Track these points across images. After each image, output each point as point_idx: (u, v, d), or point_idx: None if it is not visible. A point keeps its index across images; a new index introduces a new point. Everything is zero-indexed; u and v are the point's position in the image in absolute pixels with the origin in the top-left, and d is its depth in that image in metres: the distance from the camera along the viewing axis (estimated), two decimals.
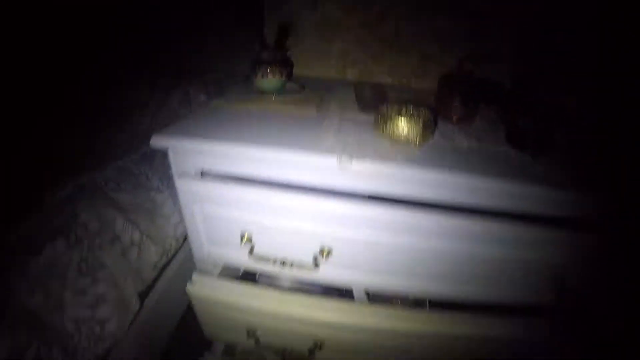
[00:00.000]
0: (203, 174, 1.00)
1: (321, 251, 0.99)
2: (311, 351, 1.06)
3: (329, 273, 1.03)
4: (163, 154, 1.17)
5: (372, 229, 0.95)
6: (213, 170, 0.97)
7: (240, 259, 1.06)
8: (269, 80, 1.23)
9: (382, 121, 0.98)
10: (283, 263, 1.01)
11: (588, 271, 0.96)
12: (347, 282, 1.07)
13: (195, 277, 1.05)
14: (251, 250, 1.01)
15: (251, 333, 1.07)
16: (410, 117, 0.99)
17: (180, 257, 1.38)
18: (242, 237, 1.01)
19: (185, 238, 1.34)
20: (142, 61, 1.73)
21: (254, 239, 1.01)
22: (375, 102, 1.11)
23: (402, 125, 0.95)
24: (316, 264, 1.00)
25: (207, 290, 1.03)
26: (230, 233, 1.02)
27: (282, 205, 0.95)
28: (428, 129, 0.97)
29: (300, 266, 1.01)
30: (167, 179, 1.31)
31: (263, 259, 1.02)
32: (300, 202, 0.93)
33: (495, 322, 0.98)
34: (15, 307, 0.84)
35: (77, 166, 1.24)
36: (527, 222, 0.90)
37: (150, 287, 1.21)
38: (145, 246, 1.16)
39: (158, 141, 0.93)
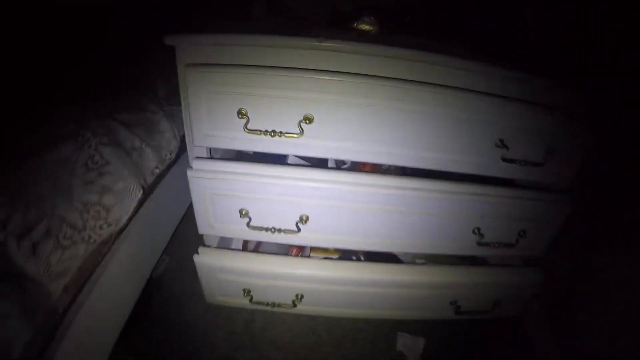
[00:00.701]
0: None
1: (301, 218, 1.15)
2: (294, 302, 1.25)
3: (310, 235, 1.19)
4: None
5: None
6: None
7: (240, 231, 1.20)
8: None
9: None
10: (273, 230, 1.17)
11: None
12: (324, 242, 1.24)
13: (200, 249, 1.21)
14: (249, 223, 1.16)
15: (246, 292, 1.24)
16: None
17: (175, 170, 1.49)
18: (240, 212, 1.15)
19: (177, 154, 1.46)
20: None
21: (250, 213, 1.15)
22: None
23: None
24: (298, 229, 1.16)
25: (211, 258, 1.20)
26: (230, 210, 1.16)
27: (270, 178, 1.09)
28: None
29: (287, 232, 1.17)
30: (160, 104, 1.41)
31: (258, 228, 1.17)
32: (284, 173, 1.09)
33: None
34: (27, 193, 0.92)
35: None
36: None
37: (151, 190, 1.31)
38: (144, 152, 1.25)
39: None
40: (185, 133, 1.14)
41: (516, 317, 1.46)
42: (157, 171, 1.30)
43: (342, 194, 1.10)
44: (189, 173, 1.10)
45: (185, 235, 1.71)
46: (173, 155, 1.38)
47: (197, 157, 1.13)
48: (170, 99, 1.46)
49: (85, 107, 1.20)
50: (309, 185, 1.09)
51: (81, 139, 1.08)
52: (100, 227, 1.04)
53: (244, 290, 1.25)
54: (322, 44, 0.96)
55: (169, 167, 1.43)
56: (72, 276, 0.95)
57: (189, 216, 1.59)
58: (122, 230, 1.16)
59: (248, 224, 1.15)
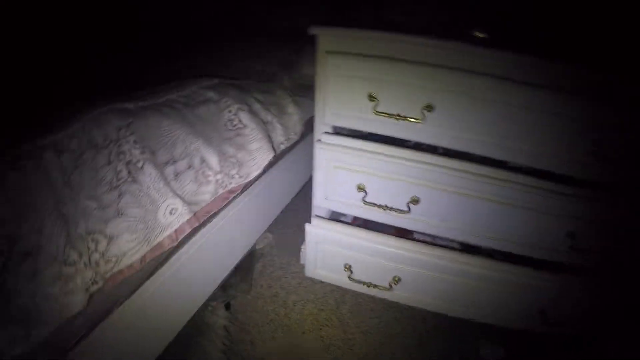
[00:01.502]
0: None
1: (412, 199, 1.22)
2: (390, 284, 1.30)
3: (418, 218, 1.26)
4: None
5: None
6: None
7: (353, 206, 1.31)
8: None
9: None
10: (385, 207, 1.24)
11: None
12: (429, 228, 1.28)
13: (313, 219, 1.33)
14: (364, 197, 1.25)
15: (347, 267, 1.33)
16: None
17: (294, 153, 1.64)
18: (358, 187, 1.25)
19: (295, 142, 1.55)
20: None
21: (366, 188, 1.25)
22: None
23: None
24: (409, 209, 1.23)
25: (322, 228, 1.31)
26: (348, 183, 1.27)
27: (390, 157, 1.17)
28: None
29: (398, 211, 1.24)
30: (287, 91, 1.53)
31: (371, 204, 1.25)
32: (402, 154, 1.17)
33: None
34: (177, 134, 1.08)
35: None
36: None
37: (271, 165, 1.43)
38: (275, 126, 1.36)
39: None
40: (315, 112, 1.27)
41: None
42: (282, 147, 1.40)
43: (451, 180, 1.15)
44: (317, 145, 1.23)
45: (288, 221, 1.88)
46: (297, 137, 1.49)
47: (325, 132, 1.25)
48: (293, 90, 1.59)
49: (224, 84, 1.34)
50: (423, 167, 1.15)
51: (223, 104, 1.22)
52: (232, 177, 1.15)
53: (345, 265, 1.33)
54: (478, 36, 1.15)
55: (289, 149, 1.55)
56: (200, 210, 1.07)
57: (293, 204, 1.76)
58: (246, 186, 1.27)
59: (364, 199, 1.24)
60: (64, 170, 0.90)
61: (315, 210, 1.42)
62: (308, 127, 1.51)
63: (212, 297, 1.38)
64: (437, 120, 1.11)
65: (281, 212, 1.70)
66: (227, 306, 1.47)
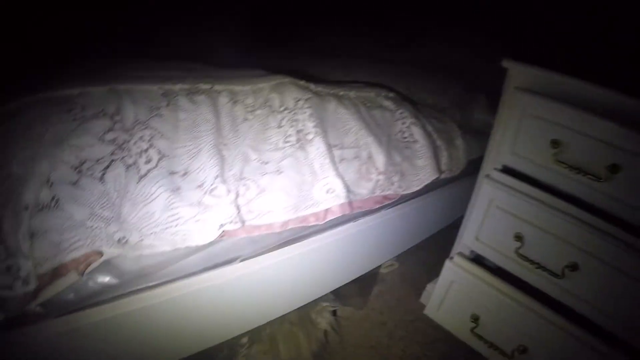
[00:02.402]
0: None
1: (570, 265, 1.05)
2: (512, 353, 1.16)
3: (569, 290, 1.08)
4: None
5: None
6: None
7: (501, 256, 1.18)
8: None
9: None
10: (537, 266, 1.09)
11: None
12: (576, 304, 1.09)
13: (456, 256, 1.27)
14: (518, 248, 1.12)
15: (473, 318, 1.22)
16: None
17: (450, 187, 1.55)
18: (515, 235, 1.12)
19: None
20: None
21: (524, 239, 1.12)
22: None
23: None
24: (562, 276, 1.06)
25: (461, 269, 1.24)
26: (504, 229, 1.15)
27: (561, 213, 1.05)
28: None
29: (550, 274, 1.08)
30: (457, 125, 1.46)
31: (523, 258, 1.12)
32: (573, 211, 1.04)
33: None
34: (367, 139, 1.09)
35: None
36: None
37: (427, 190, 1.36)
38: (442, 152, 1.31)
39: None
40: (488, 146, 1.21)
41: None
42: (443, 175, 1.35)
43: (622, 256, 0.97)
44: (485, 181, 1.16)
45: (416, 256, 1.78)
46: (458, 172, 1.42)
47: (495, 169, 1.17)
48: (463, 126, 1.53)
49: (401, 98, 1.33)
50: (593, 233, 1.00)
51: (398, 114, 1.21)
52: (392, 183, 1.12)
53: (472, 315, 1.22)
54: None
55: (443, 183, 1.48)
56: (356, 200, 1.06)
57: (424, 241, 1.67)
58: (399, 200, 1.23)
59: (517, 250, 1.12)
60: (234, 118, 0.95)
61: (459, 248, 1.33)
62: (466, 170, 1.44)
63: (324, 298, 1.35)
64: (620, 186, 0.98)
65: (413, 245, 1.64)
66: (334, 312, 1.42)
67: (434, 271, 1.45)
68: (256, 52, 1.78)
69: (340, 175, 0.99)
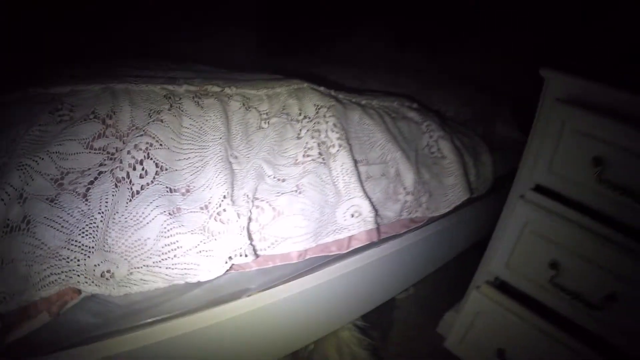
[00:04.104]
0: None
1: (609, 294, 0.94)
2: None
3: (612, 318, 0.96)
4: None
5: None
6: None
7: (534, 285, 1.07)
8: None
9: None
10: (573, 296, 0.97)
11: None
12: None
13: (483, 285, 1.15)
14: (553, 277, 1.00)
15: (499, 353, 1.11)
16: None
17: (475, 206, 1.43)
18: (550, 264, 1.01)
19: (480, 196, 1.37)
20: None
21: (559, 267, 1.00)
22: None
23: None
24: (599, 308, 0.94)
25: (490, 300, 1.11)
26: (538, 256, 1.04)
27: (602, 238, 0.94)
28: None
29: (585, 304, 0.96)
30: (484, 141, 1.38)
31: (558, 287, 1.00)
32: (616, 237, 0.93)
33: None
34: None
35: None
36: None
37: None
38: (470, 170, 1.20)
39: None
40: (521, 164, 1.12)
41: None
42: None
43: None
44: (519, 202, 1.04)
45: (434, 278, 1.65)
46: (483, 192, 1.32)
47: (531, 189, 1.06)
48: (491, 144, 1.43)
49: (425, 109, 1.23)
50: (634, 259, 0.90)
51: (425, 127, 1.10)
52: (420, 204, 1.01)
53: (497, 350, 1.10)
54: None
55: (468, 203, 1.36)
56: (383, 225, 0.94)
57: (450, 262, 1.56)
58: (426, 223, 1.12)
59: (552, 279, 1.00)
60: (247, 126, 0.85)
61: (485, 276, 1.21)
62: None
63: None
64: None
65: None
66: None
67: (450, 297, 1.40)
68: (268, 58, 1.74)
69: (368, 196, 0.86)
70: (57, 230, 0.60)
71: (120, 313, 0.67)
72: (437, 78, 1.71)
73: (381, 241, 1.00)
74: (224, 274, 0.70)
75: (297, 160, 0.82)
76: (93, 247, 0.60)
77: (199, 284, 0.70)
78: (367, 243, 0.88)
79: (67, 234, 0.60)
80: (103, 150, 0.69)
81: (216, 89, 0.86)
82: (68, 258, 0.59)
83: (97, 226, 0.61)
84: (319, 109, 0.89)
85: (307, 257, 0.80)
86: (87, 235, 0.60)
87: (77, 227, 0.60)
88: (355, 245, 0.86)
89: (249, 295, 0.81)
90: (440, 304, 1.53)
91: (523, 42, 1.73)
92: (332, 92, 1.00)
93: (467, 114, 1.50)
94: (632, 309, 0.93)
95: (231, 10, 1.84)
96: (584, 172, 0.94)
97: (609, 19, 1.48)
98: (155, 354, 0.73)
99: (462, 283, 1.31)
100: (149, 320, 0.71)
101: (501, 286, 1.18)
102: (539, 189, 1.06)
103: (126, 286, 0.62)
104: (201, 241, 0.66)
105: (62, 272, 0.58)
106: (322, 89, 0.98)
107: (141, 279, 0.63)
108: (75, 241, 0.59)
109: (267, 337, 0.94)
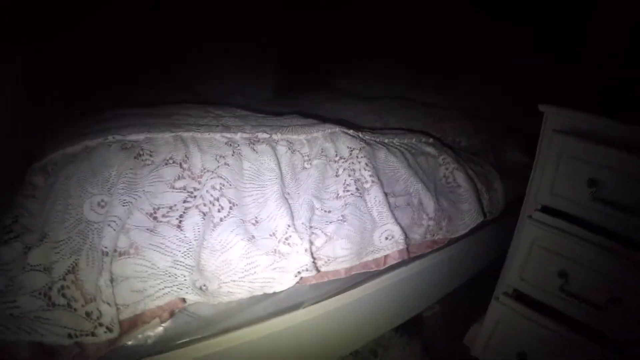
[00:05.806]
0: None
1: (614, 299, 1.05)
2: None
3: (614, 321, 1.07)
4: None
5: None
6: None
7: (546, 294, 1.17)
8: None
9: None
10: (581, 301, 1.08)
11: None
12: None
13: (501, 296, 1.26)
14: (562, 285, 1.11)
15: (521, 356, 1.21)
16: None
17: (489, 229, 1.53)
18: (559, 273, 1.12)
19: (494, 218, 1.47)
20: None
21: (568, 277, 1.12)
22: None
23: None
24: (603, 309, 1.05)
25: (507, 308, 1.23)
26: (546, 267, 1.16)
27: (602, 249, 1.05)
28: None
29: (593, 307, 1.07)
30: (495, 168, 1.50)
31: (568, 293, 1.10)
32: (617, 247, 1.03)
33: None
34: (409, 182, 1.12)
35: None
36: None
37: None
38: (483, 196, 1.33)
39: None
40: (528, 188, 1.22)
41: None
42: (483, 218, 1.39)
43: None
44: (527, 222, 1.17)
45: (458, 295, 1.75)
46: (496, 215, 1.45)
47: (537, 210, 1.19)
48: (500, 171, 1.56)
49: (440, 143, 1.38)
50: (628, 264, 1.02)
51: (441, 160, 1.25)
52: (441, 227, 1.15)
53: (518, 354, 1.21)
54: None
55: (481, 226, 1.47)
56: (412, 245, 1.09)
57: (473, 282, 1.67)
58: (444, 245, 1.25)
59: (562, 287, 1.12)
60: (294, 167, 0.99)
61: (503, 288, 1.33)
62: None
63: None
64: None
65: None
66: (375, 353, 1.44)
67: (473, 311, 1.47)
68: (289, 91, 1.87)
69: (398, 222, 1.02)
70: (162, 253, 0.76)
71: (206, 322, 0.83)
72: (448, 111, 1.83)
73: (410, 260, 1.15)
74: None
75: (338, 194, 0.99)
76: (194, 266, 0.77)
77: (266, 297, 0.87)
78: (399, 261, 1.04)
79: (171, 256, 0.76)
80: (183, 189, 0.84)
81: (265, 135, 1.01)
82: (176, 275, 0.75)
83: (194, 250, 0.78)
84: (352, 150, 1.05)
85: (352, 273, 0.96)
86: (188, 256, 0.77)
87: (179, 251, 0.77)
88: (390, 262, 1.02)
89: (304, 308, 0.97)
90: (464, 318, 1.62)
91: (529, 77, 1.84)
92: (360, 135, 1.15)
93: (477, 144, 1.63)
94: (632, 309, 1.05)
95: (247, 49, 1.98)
96: (581, 192, 1.07)
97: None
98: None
99: (486, 299, 1.39)
100: (220, 329, 0.88)
101: (518, 297, 1.31)
102: (544, 209, 1.19)
103: (218, 297, 0.79)
104: (274, 260, 0.83)
105: (173, 285, 0.75)
106: (351, 131, 1.13)
107: (228, 291, 0.80)
108: (180, 262, 0.76)
109: (319, 344, 1.09)
